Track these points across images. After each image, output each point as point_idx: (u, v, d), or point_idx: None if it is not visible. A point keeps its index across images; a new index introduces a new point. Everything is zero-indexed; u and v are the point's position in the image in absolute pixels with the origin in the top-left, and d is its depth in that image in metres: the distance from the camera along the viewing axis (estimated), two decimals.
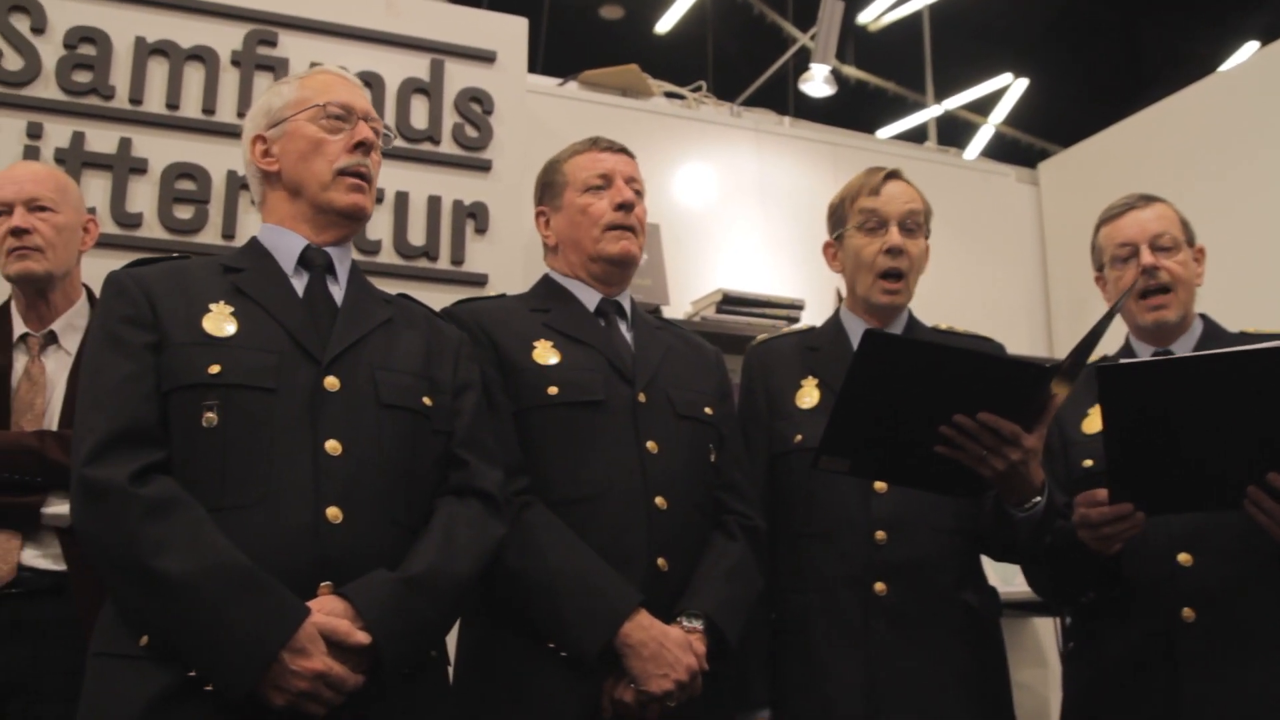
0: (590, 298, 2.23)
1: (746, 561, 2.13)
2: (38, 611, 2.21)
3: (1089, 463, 2.22)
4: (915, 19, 7.12)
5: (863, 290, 2.36)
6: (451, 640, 1.98)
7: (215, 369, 1.69)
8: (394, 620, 1.65)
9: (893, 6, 7.31)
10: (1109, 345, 2.34)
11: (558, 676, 1.94)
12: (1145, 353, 2.33)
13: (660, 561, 2.02)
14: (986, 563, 2.39)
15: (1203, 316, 2.35)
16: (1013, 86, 8.42)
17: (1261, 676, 2.03)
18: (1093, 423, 2.28)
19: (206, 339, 1.72)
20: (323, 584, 1.64)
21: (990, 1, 7.68)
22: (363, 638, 1.60)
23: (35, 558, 2.23)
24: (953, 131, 8.46)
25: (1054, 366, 1.87)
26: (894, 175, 2.38)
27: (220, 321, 1.74)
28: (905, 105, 8.76)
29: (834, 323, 2.44)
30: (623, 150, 2.29)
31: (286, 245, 1.88)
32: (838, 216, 2.42)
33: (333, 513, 1.67)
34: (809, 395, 2.33)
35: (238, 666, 1.54)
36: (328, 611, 1.61)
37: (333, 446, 1.70)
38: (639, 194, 2.25)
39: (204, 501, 1.62)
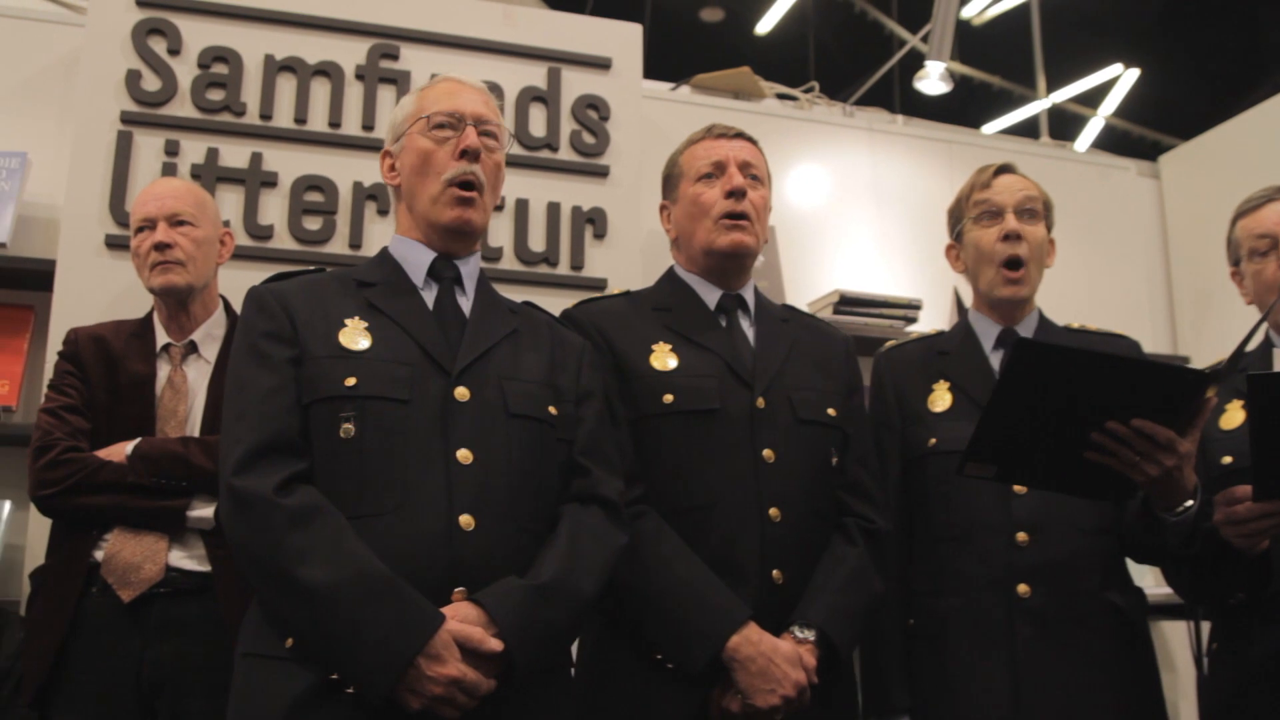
0: (711, 295, 2.22)
1: (864, 568, 2.11)
2: (184, 610, 2.28)
3: (1228, 459, 2.18)
4: (1018, 11, 6.99)
5: (985, 285, 2.35)
6: None
7: (351, 381, 1.75)
8: (526, 627, 1.68)
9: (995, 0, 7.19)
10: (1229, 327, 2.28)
11: (668, 684, 1.95)
12: None
13: (775, 574, 2.02)
14: None
15: None
16: (1123, 77, 8.22)
17: None
18: (1231, 419, 2.24)
19: (343, 352, 1.78)
20: (456, 590, 1.69)
21: None
22: (495, 645, 1.64)
23: (181, 559, 2.31)
24: (1061, 125, 8.29)
25: (1213, 373, 1.84)
26: (1006, 169, 2.38)
27: (355, 336, 1.80)
28: (1011, 100, 8.62)
29: (963, 326, 2.42)
30: (739, 135, 2.26)
31: (416, 258, 1.93)
32: (955, 216, 2.43)
33: (465, 520, 1.71)
34: (941, 399, 2.33)
35: (376, 671, 1.59)
36: (462, 618, 1.65)
37: (464, 455, 1.75)
38: (757, 179, 2.23)
39: (343, 509, 1.68)
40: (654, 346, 2.14)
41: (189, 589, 2.29)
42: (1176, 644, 3.76)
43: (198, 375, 2.48)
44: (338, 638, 1.61)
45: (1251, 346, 2.31)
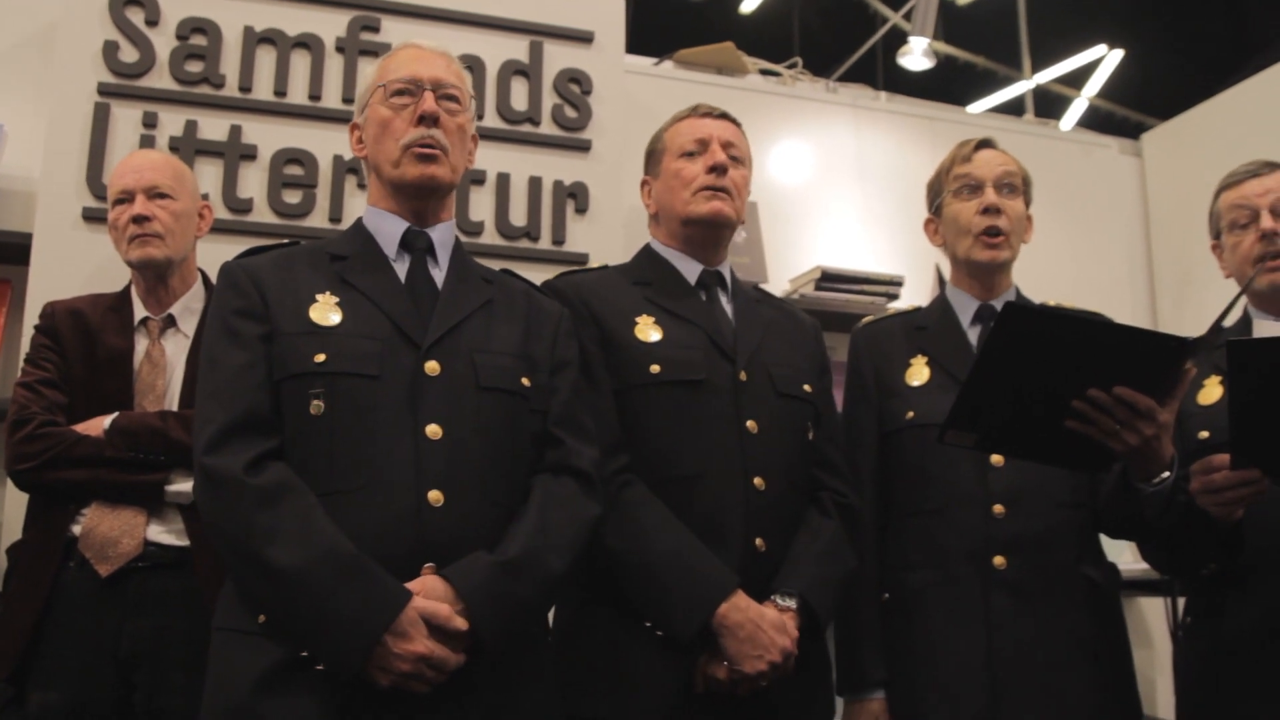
0: (691, 269, 2.23)
1: (840, 540, 2.14)
2: (163, 584, 2.28)
3: (1205, 434, 2.19)
4: None
5: (963, 252, 2.35)
6: None
7: (321, 358, 1.75)
8: (492, 603, 1.69)
9: None
10: (1208, 306, 2.29)
11: (652, 652, 1.96)
12: (1264, 322, 2.29)
13: (759, 542, 2.04)
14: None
15: None
16: (1107, 58, 8.21)
17: None
18: (1208, 394, 2.26)
19: (313, 328, 1.78)
20: (426, 565, 1.69)
21: None
22: (461, 624, 1.65)
23: (160, 533, 2.30)
24: (1045, 106, 8.27)
25: (1195, 340, 1.84)
26: (986, 143, 2.40)
27: (326, 311, 1.80)
28: (995, 80, 8.60)
29: (941, 301, 2.43)
30: (724, 116, 2.28)
31: (388, 229, 1.93)
32: (934, 190, 2.43)
33: (434, 496, 1.72)
34: (919, 373, 2.33)
35: (344, 649, 1.60)
36: (428, 594, 1.66)
37: (433, 431, 1.75)
38: (738, 160, 2.24)
39: (314, 486, 1.69)
40: (637, 319, 2.14)
41: (167, 563, 2.29)
42: (1154, 620, 3.79)
43: (176, 349, 2.47)
44: (306, 617, 1.62)
45: (1230, 321, 2.32)
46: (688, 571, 1.96)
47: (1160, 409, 1.90)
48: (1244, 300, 2.32)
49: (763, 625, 1.94)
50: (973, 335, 2.34)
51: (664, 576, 1.95)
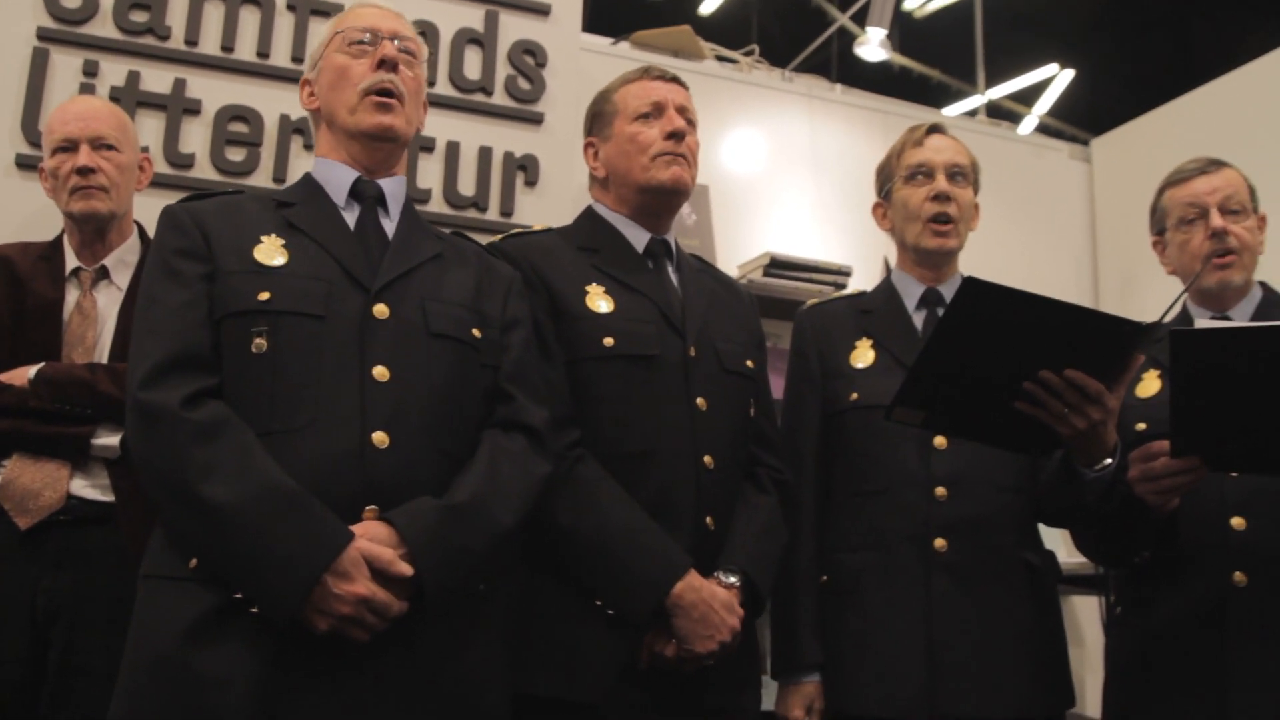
0: (639, 237, 2.20)
1: (777, 516, 2.14)
2: (84, 540, 2.22)
3: (1142, 426, 2.20)
4: (960, 6, 7.04)
5: (912, 238, 2.35)
6: None
7: (265, 296, 1.70)
8: (437, 548, 1.65)
9: None
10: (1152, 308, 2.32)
11: (597, 629, 1.94)
12: (1203, 317, 2.31)
13: (709, 520, 2.03)
14: None
15: (1261, 284, 2.34)
16: (1059, 77, 8.32)
17: None
18: (1146, 387, 2.28)
19: (257, 268, 1.73)
20: (368, 508, 1.65)
21: None
22: (405, 569, 1.61)
23: (84, 488, 2.24)
24: (1001, 121, 8.39)
25: (1148, 326, 1.86)
26: (937, 129, 2.41)
27: (271, 252, 1.76)
28: (949, 93, 8.69)
29: (887, 285, 2.43)
30: (675, 79, 2.25)
31: (338, 178, 1.89)
32: (884, 175, 2.43)
33: (379, 437, 1.67)
34: (864, 356, 2.33)
35: (281, 589, 1.55)
36: (371, 537, 1.61)
37: (380, 373, 1.71)
38: (691, 124, 2.22)
39: (254, 425, 1.64)
40: (587, 288, 2.11)
41: (90, 518, 2.23)
42: (1086, 617, 3.81)
43: (108, 301, 2.40)
44: (242, 555, 1.56)
45: (1170, 318, 2.35)
46: (642, 551, 1.94)
47: (1108, 394, 1.91)
48: (1184, 297, 2.34)
49: (714, 605, 1.93)
50: (918, 319, 2.35)
51: (618, 555, 1.93)
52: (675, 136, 2.16)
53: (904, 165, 2.37)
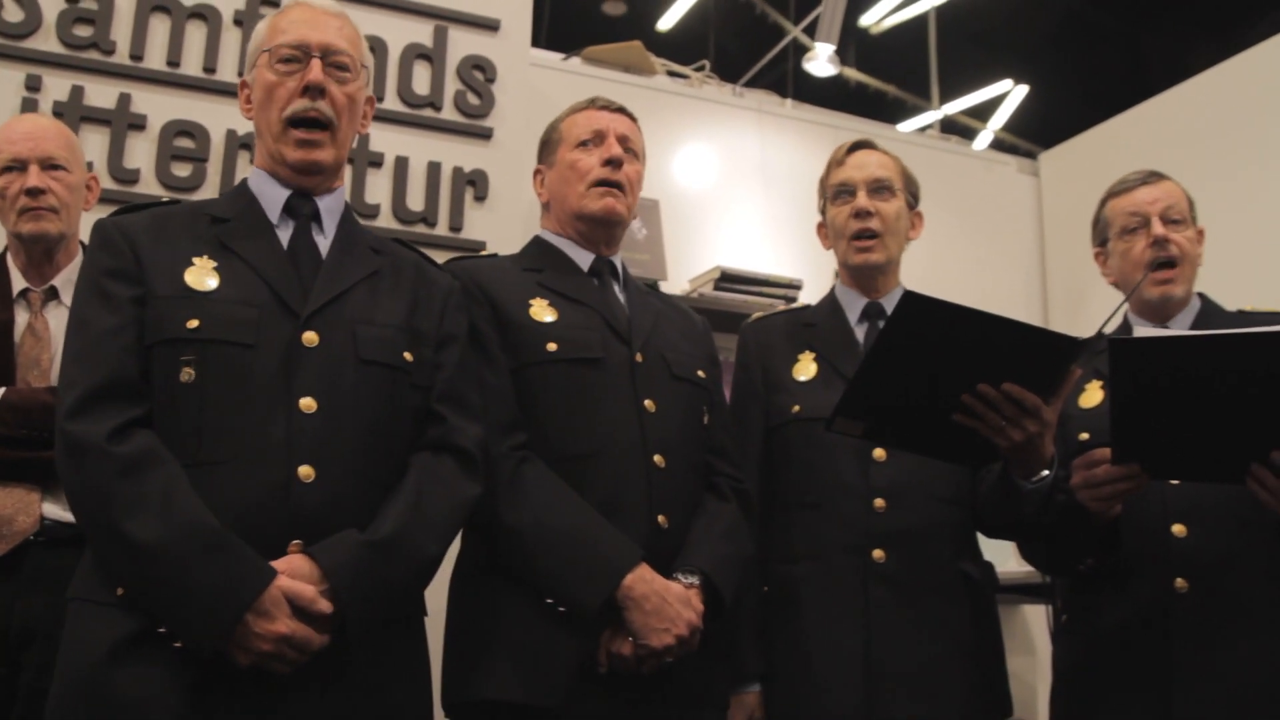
0: (583, 257, 2.21)
1: (739, 523, 2.13)
2: (59, 562, 2.15)
3: (1085, 436, 2.23)
4: (916, 23, 7.11)
5: (841, 255, 2.39)
6: (433, 595, 1.97)
7: (194, 324, 1.68)
8: (359, 584, 1.64)
9: (895, 9, 7.30)
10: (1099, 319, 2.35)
11: (552, 630, 1.92)
12: (1144, 328, 2.34)
13: (661, 519, 2.01)
14: (985, 544, 2.40)
15: (1200, 295, 2.37)
16: (1013, 92, 8.42)
17: (1252, 648, 2.04)
18: (1089, 398, 2.30)
19: (188, 293, 1.70)
20: (293, 542, 1.63)
21: (992, 7, 7.68)
22: (325, 607, 1.60)
23: (57, 511, 2.21)
24: (953, 136, 8.46)
25: (1085, 340, 1.88)
26: (861, 145, 2.43)
27: (202, 275, 1.73)
28: (905, 109, 8.76)
29: (830, 299, 2.45)
30: (621, 110, 2.27)
31: (272, 193, 1.86)
32: (821, 196, 2.47)
33: (305, 471, 1.65)
34: (806, 369, 2.34)
35: (203, 627, 1.54)
36: (293, 573, 1.60)
37: (307, 404, 1.69)
38: (634, 154, 2.23)
39: (181, 457, 1.62)
40: (531, 301, 2.11)
41: (64, 540, 2.18)
42: (1036, 626, 3.84)
43: (59, 322, 2.35)
44: (165, 592, 1.55)
45: (1111, 328, 2.37)
46: (591, 544, 1.92)
47: (1045, 407, 1.93)
48: (1125, 307, 2.37)
49: (668, 598, 1.91)
50: (860, 332, 2.37)
51: (566, 550, 1.92)
52: (612, 164, 2.17)
53: (829, 185, 2.41)
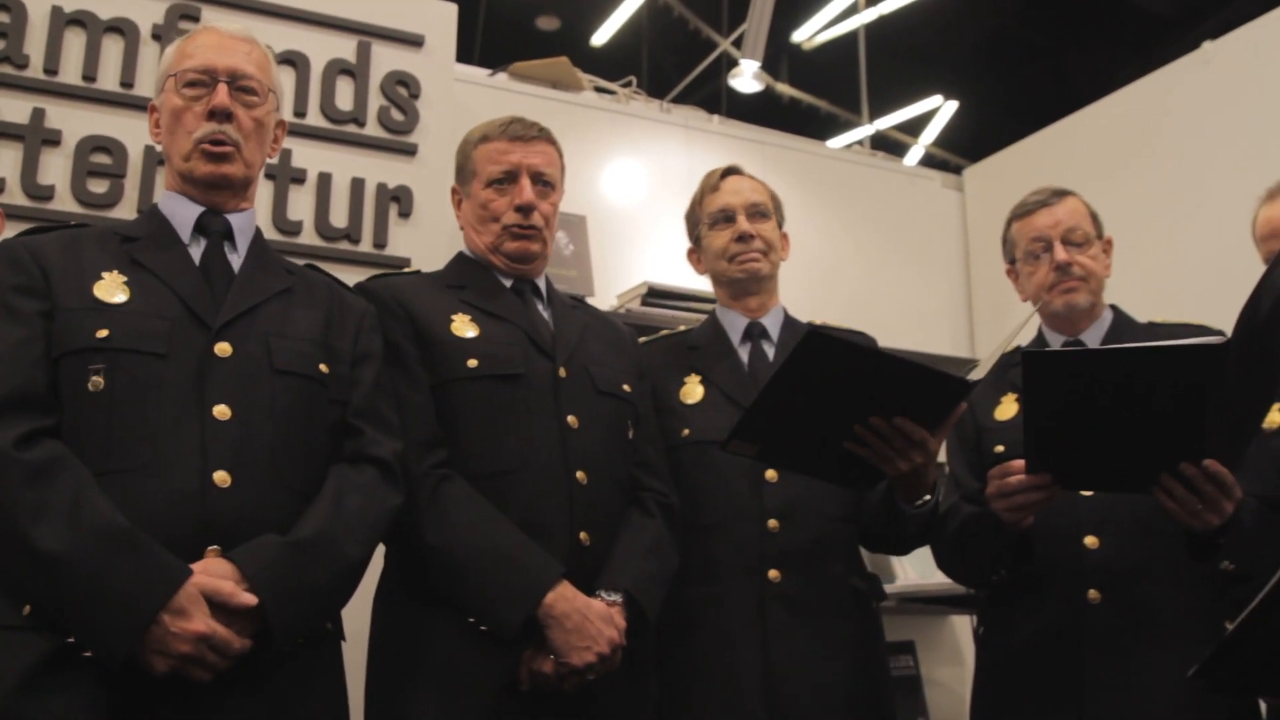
0: (505, 277, 2.23)
1: (664, 539, 2.14)
2: None
3: (1000, 448, 2.27)
4: (849, 39, 7.19)
5: (725, 275, 2.45)
6: (356, 616, 1.95)
7: (104, 333, 1.67)
8: (281, 583, 1.63)
9: (827, 26, 7.38)
10: (1023, 335, 2.39)
11: (473, 650, 1.92)
12: (1057, 341, 2.39)
13: (582, 535, 2.02)
14: (914, 556, 2.44)
15: (1112, 307, 2.42)
16: (943, 108, 8.55)
17: (1162, 657, 2.09)
18: (1004, 410, 2.35)
19: (97, 305, 1.70)
20: (209, 548, 1.62)
21: (922, 24, 7.78)
22: (248, 599, 1.58)
23: None
24: (884, 151, 8.55)
25: (976, 382, 1.98)
26: (732, 171, 2.51)
27: (112, 289, 1.73)
28: (838, 124, 8.85)
29: (712, 321, 2.50)
30: (537, 136, 2.25)
31: (183, 213, 1.86)
32: (692, 222, 2.53)
33: (220, 477, 1.65)
34: (693, 392, 2.39)
35: (115, 630, 1.51)
36: (211, 573, 1.58)
37: (221, 411, 1.68)
38: (550, 185, 2.23)
39: (91, 465, 1.60)
40: (453, 317, 2.12)
41: None
42: (965, 639, 3.87)
43: None
44: (74, 597, 1.52)
45: (1026, 342, 2.43)
46: (512, 562, 1.92)
47: (931, 439, 2.01)
48: (1038, 320, 2.42)
49: (590, 616, 1.92)
50: (743, 353, 2.42)
51: (487, 569, 1.92)
52: (523, 210, 2.18)
53: (707, 212, 2.47)
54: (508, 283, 2.22)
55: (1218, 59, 3.73)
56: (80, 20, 2.96)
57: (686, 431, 2.33)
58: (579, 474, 2.05)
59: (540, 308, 2.24)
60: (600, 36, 7.92)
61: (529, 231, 2.19)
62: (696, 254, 2.54)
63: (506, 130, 2.24)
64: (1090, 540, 2.16)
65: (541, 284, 2.28)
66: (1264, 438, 2.17)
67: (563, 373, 2.12)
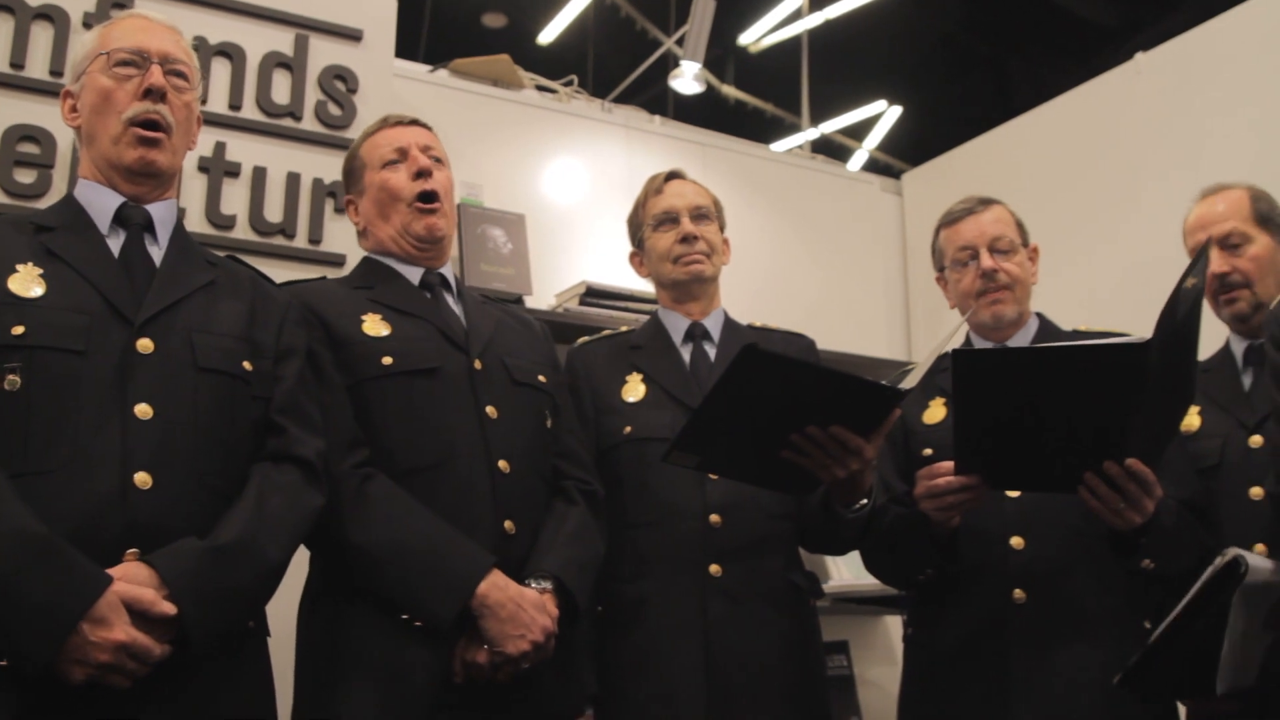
0: (413, 273, 2.22)
1: (588, 524, 2.16)
2: None
3: (928, 451, 2.31)
4: (794, 43, 7.23)
5: (669, 277, 2.48)
6: (280, 616, 1.93)
7: (19, 330, 1.63)
8: (201, 588, 1.60)
9: (774, 29, 7.41)
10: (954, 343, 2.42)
11: (407, 645, 1.91)
12: (985, 345, 2.42)
13: (508, 524, 2.02)
14: (849, 557, 2.46)
15: (1038, 315, 2.46)
16: (887, 113, 8.63)
17: (1085, 655, 2.13)
18: (933, 414, 2.39)
19: (11, 299, 1.65)
20: (129, 551, 1.59)
21: (868, 30, 7.84)
22: (167, 608, 1.55)
23: None
24: (828, 155, 8.60)
25: (908, 390, 2.01)
26: (675, 175, 2.55)
27: (27, 283, 1.68)
28: (783, 127, 8.90)
29: (654, 322, 2.53)
30: (415, 122, 2.29)
31: (102, 203, 1.82)
32: (635, 225, 2.56)
33: (141, 478, 1.62)
34: (635, 390, 2.42)
35: (34, 639, 1.48)
36: (131, 579, 1.56)
37: (143, 410, 1.65)
38: (439, 161, 2.25)
39: (6, 467, 1.56)
40: (363, 317, 2.11)
41: None
42: (897, 639, 3.91)
43: None
44: None
45: (955, 346, 2.45)
46: (441, 555, 1.92)
47: (867, 446, 2.03)
48: (966, 328, 2.46)
49: (523, 604, 1.92)
50: (685, 353, 2.46)
51: (418, 563, 1.91)
52: (423, 175, 2.19)
53: (650, 214, 2.49)
54: (415, 280, 2.21)
55: (1149, 70, 3.79)
56: (8, 7, 2.90)
57: (629, 429, 2.35)
58: (501, 463, 2.05)
59: (451, 302, 2.24)
60: (547, 35, 7.90)
61: (434, 204, 2.19)
62: (639, 257, 2.57)
63: (385, 122, 2.30)
64: (1016, 541, 2.20)
65: (450, 277, 2.28)
66: (1181, 440, 2.22)
67: (478, 365, 2.12)
